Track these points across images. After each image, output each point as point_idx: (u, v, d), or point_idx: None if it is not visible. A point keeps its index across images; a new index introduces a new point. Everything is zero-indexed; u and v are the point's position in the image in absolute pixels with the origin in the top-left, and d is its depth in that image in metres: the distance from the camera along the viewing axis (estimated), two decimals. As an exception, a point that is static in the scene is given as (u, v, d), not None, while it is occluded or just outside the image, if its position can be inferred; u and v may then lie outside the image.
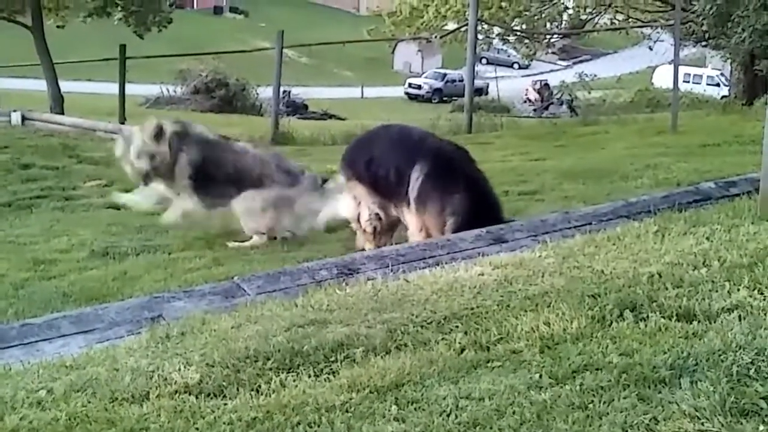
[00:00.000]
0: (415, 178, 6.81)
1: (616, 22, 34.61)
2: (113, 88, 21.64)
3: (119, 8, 24.34)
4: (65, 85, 24.93)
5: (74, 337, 4.55)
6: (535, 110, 45.48)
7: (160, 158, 8.18)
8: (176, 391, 3.47)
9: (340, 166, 7.64)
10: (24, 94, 28.82)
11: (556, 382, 3.34)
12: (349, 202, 7.36)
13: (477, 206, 6.69)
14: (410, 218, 6.92)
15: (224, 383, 3.54)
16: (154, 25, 25.37)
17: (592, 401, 3.16)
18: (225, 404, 3.36)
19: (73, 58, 29.15)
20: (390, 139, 7.40)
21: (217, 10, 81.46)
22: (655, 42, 33.97)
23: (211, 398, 3.43)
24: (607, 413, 3.07)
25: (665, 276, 4.46)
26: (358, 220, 7.31)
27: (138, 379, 3.60)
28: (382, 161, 7.08)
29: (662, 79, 42.48)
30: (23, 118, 18.32)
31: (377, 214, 7.18)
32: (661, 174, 10.13)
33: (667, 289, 4.25)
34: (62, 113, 21.75)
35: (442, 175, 6.86)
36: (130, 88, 22.02)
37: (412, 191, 6.82)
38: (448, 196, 6.74)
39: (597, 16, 34.01)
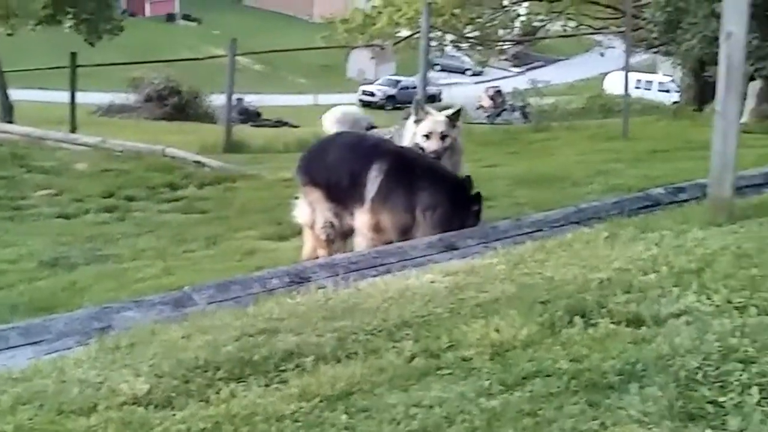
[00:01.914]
0: (374, 177, 6.74)
1: (568, 29, 34.84)
2: (65, 96, 21.48)
3: (70, 16, 24.19)
4: (15, 94, 24.72)
5: (22, 348, 4.49)
6: (488, 117, 45.54)
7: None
8: (124, 403, 3.43)
9: (296, 173, 7.54)
10: (-27, 103, 28.50)
11: (506, 389, 3.34)
12: (305, 208, 7.29)
13: (452, 194, 6.71)
14: (362, 217, 6.86)
15: (173, 394, 3.51)
16: (106, 32, 25.27)
17: (542, 408, 3.16)
18: (174, 415, 3.33)
19: (24, 66, 28.86)
20: (344, 144, 7.34)
21: (170, 18, 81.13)
22: (606, 48, 34.30)
23: (160, 409, 3.39)
24: (557, 419, 3.08)
25: (615, 282, 4.47)
26: (313, 227, 7.25)
27: (86, 391, 3.56)
28: (336, 166, 7.03)
29: (613, 85, 42.80)
30: (-29, 128, 18.11)
31: (331, 222, 7.13)
32: (611, 180, 10.22)
33: (616, 294, 4.27)
34: (12, 122, 21.55)
35: (406, 173, 6.80)
36: (82, 97, 21.86)
37: (370, 191, 6.77)
38: (416, 192, 6.72)
39: (549, 23, 34.24)
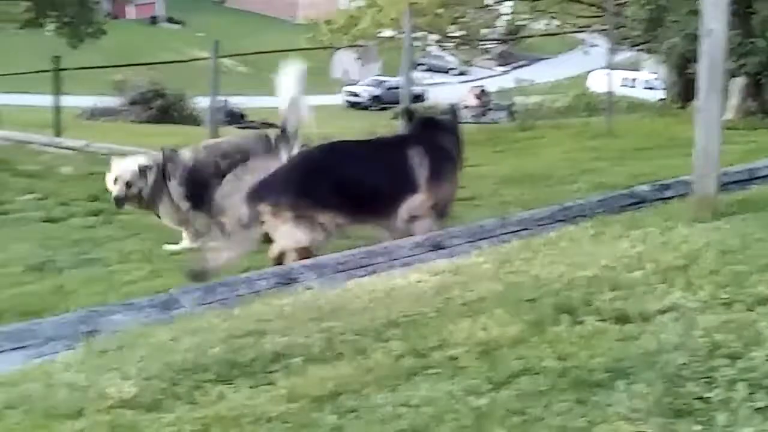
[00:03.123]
0: (418, 162, 6.95)
1: (552, 27, 34.91)
2: (49, 100, 21.35)
3: (52, 19, 24.11)
4: (-1, 98, 24.62)
5: (9, 353, 4.49)
6: (474, 116, 45.57)
7: None
8: (112, 406, 3.43)
9: (286, 199, 6.67)
10: (-44, 107, 28.38)
11: (493, 387, 3.34)
12: (298, 232, 6.65)
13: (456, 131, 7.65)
14: (421, 201, 6.91)
15: (161, 396, 3.50)
16: (88, 35, 25.17)
17: (530, 406, 3.16)
18: (162, 417, 3.32)
19: (6, 71, 28.72)
20: (356, 155, 7.21)
21: (153, 20, 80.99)
22: (590, 47, 34.38)
23: (148, 412, 3.39)
24: (544, 417, 3.08)
25: (601, 279, 4.48)
26: (309, 248, 6.68)
27: (73, 395, 3.55)
28: (363, 175, 6.87)
29: (597, 83, 42.83)
30: (-45, 132, 18.03)
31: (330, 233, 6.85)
32: (597, 178, 10.24)
33: (602, 292, 4.27)
34: (-4, 126, 21.46)
35: (436, 142, 7.26)
36: (67, 100, 21.71)
37: (421, 175, 6.94)
38: (453, 151, 7.41)
39: (532, 21, 34.28)
